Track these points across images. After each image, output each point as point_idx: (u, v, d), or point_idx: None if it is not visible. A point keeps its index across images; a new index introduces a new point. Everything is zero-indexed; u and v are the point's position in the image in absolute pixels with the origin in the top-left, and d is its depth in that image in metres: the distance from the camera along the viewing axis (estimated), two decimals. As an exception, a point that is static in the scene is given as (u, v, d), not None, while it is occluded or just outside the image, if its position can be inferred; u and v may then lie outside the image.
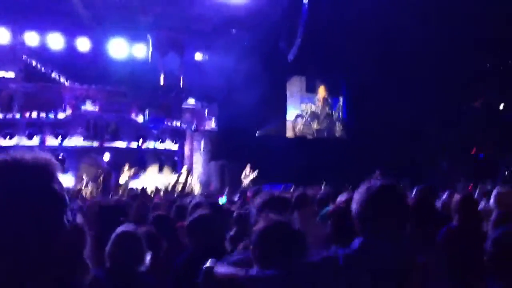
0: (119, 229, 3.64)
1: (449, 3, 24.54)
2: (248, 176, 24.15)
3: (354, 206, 2.55)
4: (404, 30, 25.08)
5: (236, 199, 11.97)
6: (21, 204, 1.19)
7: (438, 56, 26.30)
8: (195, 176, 29.32)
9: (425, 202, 4.26)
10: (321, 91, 31.97)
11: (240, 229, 5.20)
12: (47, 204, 1.22)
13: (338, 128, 32.44)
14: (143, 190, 18.23)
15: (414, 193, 6.38)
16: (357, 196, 2.56)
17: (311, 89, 32.03)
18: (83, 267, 1.29)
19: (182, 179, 24.75)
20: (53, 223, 1.23)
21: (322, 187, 17.64)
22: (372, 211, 2.44)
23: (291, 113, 32.04)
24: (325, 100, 31.94)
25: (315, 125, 32.14)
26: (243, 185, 22.93)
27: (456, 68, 25.90)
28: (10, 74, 27.77)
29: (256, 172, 23.92)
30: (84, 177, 24.56)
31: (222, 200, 12.52)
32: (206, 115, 31.74)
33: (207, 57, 32.98)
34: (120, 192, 21.26)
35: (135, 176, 25.14)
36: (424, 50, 26.03)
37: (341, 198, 6.34)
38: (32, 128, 26.38)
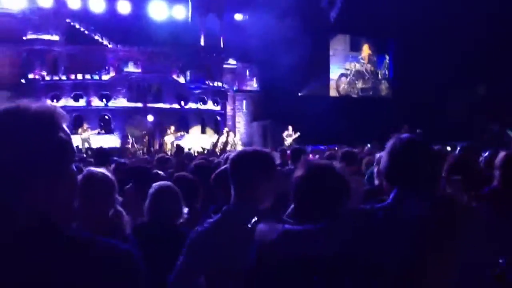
0: (156, 185, 3.68)
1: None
2: (290, 136, 24.07)
3: (383, 159, 2.44)
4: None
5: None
6: (25, 152, 1.19)
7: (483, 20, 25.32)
8: (238, 136, 29.41)
9: (467, 160, 4.11)
10: (365, 49, 31.33)
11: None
12: (51, 153, 1.22)
13: (384, 86, 31.86)
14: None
15: (457, 151, 6.18)
16: (386, 149, 2.43)
17: (356, 48, 31.46)
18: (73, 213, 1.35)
19: (223, 139, 24.85)
20: (58, 170, 1.24)
21: (368, 146, 17.49)
22: (403, 163, 2.32)
23: (335, 72, 31.59)
24: (370, 58, 31.32)
25: (360, 84, 31.67)
26: (285, 143, 22.90)
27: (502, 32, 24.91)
28: (54, 37, 28.10)
29: (298, 133, 23.78)
30: (129, 137, 24.96)
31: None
32: (247, 76, 31.59)
33: (247, 17, 32.67)
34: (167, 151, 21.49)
35: (179, 137, 25.36)
36: (471, 15, 25.05)
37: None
38: (78, 90, 26.75)
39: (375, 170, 5.19)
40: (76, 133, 22.59)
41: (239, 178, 2.55)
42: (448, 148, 13.08)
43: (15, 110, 1.24)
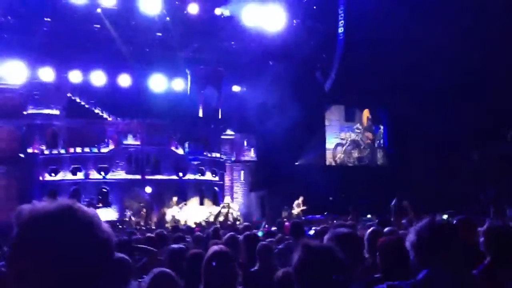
0: (155, 271, 3.72)
1: (492, 35, 24.33)
2: (299, 206, 24.04)
3: (415, 238, 2.56)
4: (444, 60, 25.03)
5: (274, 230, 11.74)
6: (73, 251, 1.26)
7: (479, 86, 25.94)
8: (236, 207, 29.36)
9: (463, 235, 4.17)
10: (364, 118, 31.76)
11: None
12: (94, 252, 1.29)
13: (379, 155, 32.10)
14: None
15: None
16: (419, 229, 2.57)
17: (351, 118, 31.96)
18: None
19: (224, 210, 24.79)
20: (101, 266, 1.31)
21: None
22: (438, 244, 2.46)
23: (331, 142, 31.97)
24: (368, 127, 31.70)
25: (356, 153, 31.95)
26: (293, 213, 22.97)
27: (495, 97, 25.46)
28: (55, 111, 28.59)
29: (306, 206, 23.72)
30: (127, 210, 24.94)
31: (259, 233, 12.25)
32: (245, 146, 31.92)
33: (244, 88, 33.42)
34: (168, 225, 21.37)
35: (181, 209, 25.36)
36: (464, 80, 25.72)
37: (387, 230, 6.25)
38: (76, 163, 26.94)
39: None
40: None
41: None
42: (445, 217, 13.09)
43: (64, 211, 1.30)
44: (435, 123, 26.67)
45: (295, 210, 23.74)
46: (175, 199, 25.05)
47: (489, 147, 26.93)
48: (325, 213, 22.81)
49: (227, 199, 26.15)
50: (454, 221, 6.17)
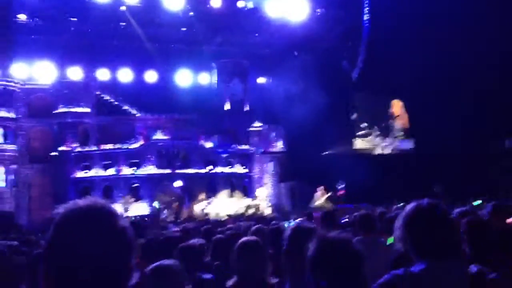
0: (158, 263, 3.67)
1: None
2: (320, 197, 24.00)
3: (398, 227, 2.49)
4: (470, 45, 24.72)
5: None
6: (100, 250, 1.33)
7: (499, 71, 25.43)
8: (266, 198, 29.49)
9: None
10: (395, 106, 31.29)
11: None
12: (118, 250, 1.36)
13: (407, 143, 31.42)
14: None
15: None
16: (403, 217, 2.49)
17: (378, 105, 31.57)
18: None
19: (255, 202, 24.93)
20: (124, 265, 1.38)
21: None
22: (423, 231, 2.39)
23: (358, 130, 31.72)
24: (398, 115, 31.23)
25: (384, 141, 31.60)
26: (315, 205, 22.83)
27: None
28: (85, 109, 29.07)
29: (328, 194, 23.65)
30: (158, 205, 25.27)
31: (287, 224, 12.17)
32: (273, 137, 31.93)
33: (270, 80, 33.42)
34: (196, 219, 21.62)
35: (209, 203, 25.58)
36: (485, 66, 25.23)
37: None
38: (107, 159, 27.37)
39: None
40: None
41: None
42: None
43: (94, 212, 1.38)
44: (462, 111, 26.31)
45: (319, 202, 23.75)
46: (203, 194, 25.25)
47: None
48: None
49: (261, 190, 26.16)
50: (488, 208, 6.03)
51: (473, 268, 2.67)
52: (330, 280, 2.16)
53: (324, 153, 30.21)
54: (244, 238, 3.86)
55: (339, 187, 25.26)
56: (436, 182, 22.63)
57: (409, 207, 2.49)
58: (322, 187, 24.01)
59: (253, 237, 3.93)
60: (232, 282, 3.59)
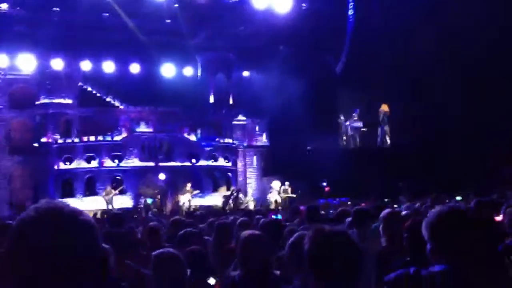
0: (159, 252, 3.79)
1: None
2: (288, 193, 24.51)
3: (426, 230, 2.49)
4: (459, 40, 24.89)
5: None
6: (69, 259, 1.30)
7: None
8: (250, 192, 29.49)
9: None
10: (383, 107, 31.24)
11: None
12: (90, 261, 1.34)
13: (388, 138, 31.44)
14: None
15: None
16: (430, 220, 2.50)
17: (362, 100, 31.61)
18: None
19: (232, 198, 24.95)
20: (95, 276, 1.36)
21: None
22: (449, 236, 2.39)
23: (343, 125, 31.79)
24: (385, 112, 31.20)
25: (367, 136, 31.69)
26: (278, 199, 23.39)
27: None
28: (67, 101, 28.71)
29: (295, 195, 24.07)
30: (142, 198, 25.14)
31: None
32: (257, 131, 31.92)
33: (255, 73, 33.35)
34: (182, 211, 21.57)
35: (195, 195, 25.51)
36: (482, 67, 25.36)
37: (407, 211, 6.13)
38: (90, 152, 27.10)
39: (380, 227, 4.93)
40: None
41: None
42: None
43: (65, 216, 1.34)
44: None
45: (281, 195, 24.11)
46: (189, 185, 25.17)
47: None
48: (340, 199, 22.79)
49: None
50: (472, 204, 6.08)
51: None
52: (331, 274, 2.15)
53: (308, 148, 30.28)
54: (248, 231, 3.95)
55: (324, 185, 25.55)
56: (402, 178, 22.99)
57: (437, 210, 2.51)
58: (287, 183, 24.52)
59: (256, 231, 4.03)
60: (237, 274, 3.69)
